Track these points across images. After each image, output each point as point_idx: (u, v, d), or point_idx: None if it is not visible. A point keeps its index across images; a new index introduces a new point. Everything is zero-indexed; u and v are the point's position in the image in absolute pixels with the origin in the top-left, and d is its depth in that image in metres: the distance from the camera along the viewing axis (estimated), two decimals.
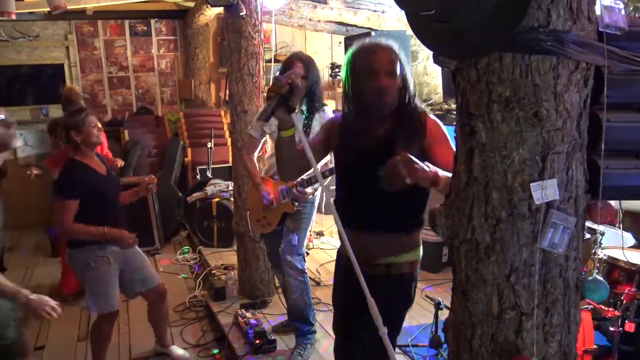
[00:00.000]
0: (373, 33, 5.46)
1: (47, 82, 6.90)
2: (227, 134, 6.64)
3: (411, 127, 2.01)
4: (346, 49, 6.01)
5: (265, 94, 3.45)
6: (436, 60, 1.41)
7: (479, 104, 1.28)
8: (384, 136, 2.02)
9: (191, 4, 6.74)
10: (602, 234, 2.87)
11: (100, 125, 3.14)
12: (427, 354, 3.17)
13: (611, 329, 2.63)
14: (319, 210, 4.76)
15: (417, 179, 1.73)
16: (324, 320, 3.63)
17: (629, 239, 3.27)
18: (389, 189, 1.78)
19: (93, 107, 6.85)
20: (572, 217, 1.28)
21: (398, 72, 1.99)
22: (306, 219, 3.29)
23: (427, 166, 1.76)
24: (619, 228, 2.88)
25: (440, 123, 2.05)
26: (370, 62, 1.97)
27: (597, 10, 1.28)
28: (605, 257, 2.83)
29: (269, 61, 4.81)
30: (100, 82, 7.26)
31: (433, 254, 4.40)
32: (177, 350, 3.56)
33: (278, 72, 3.25)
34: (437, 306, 3.08)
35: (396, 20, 5.75)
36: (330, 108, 3.28)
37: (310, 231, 4.55)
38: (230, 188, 5.13)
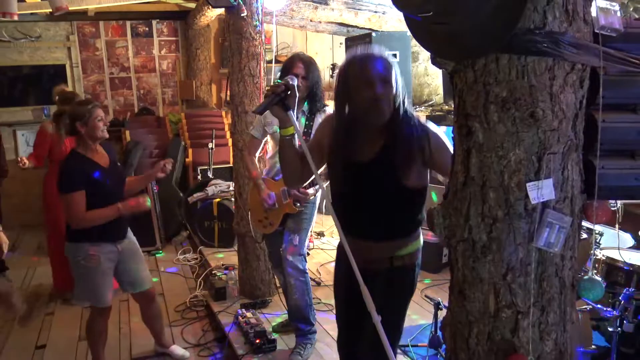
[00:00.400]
0: (374, 34, 5.47)
1: (49, 82, 6.91)
2: (228, 134, 6.66)
3: (410, 137, 1.99)
4: (347, 50, 6.03)
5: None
6: (434, 61, 1.43)
7: (476, 105, 1.30)
8: (380, 149, 2.03)
9: (192, 5, 6.76)
10: (601, 234, 2.88)
11: (104, 118, 3.07)
12: (427, 354, 3.18)
13: (610, 329, 2.64)
14: (320, 211, 4.77)
15: None
16: (324, 320, 3.65)
17: (628, 240, 3.28)
18: None
19: None
20: (568, 216, 1.30)
21: (393, 81, 1.98)
22: (307, 219, 3.31)
23: None
24: (617, 228, 2.89)
25: (440, 131, 2.06)
26: (364, 71, 1.97)
27: (593, 12, 1.29)
28: (604, 258, 2.84)
29: (270, 62, 4.83)
30: (102, 82, 7.28)
31: (433, 254, 4.41)
32: (178, 350, 3.57)
33: (279, 73, 3.27)
34: (437, 306, 3.09)
35: (397, 21, 5.76)
36: (332, 109, 3.30)
37: (311, 231, 4.57)
38: (231, 188, 5.15)
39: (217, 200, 5.44)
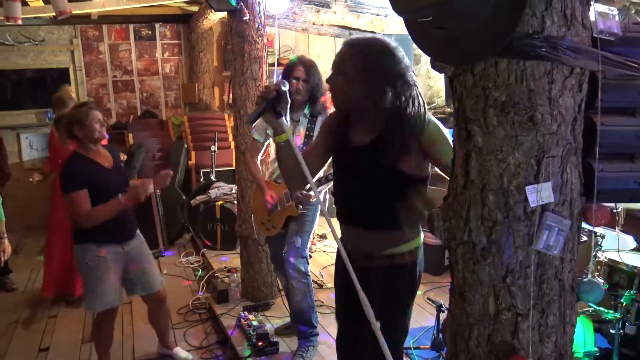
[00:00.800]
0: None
1: (53, 86, 6.94)
2: (230, 137, 6.67)
3: (403, 130, 1.96)
4: None
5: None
6: (434, 65, 1.44)
7: (476, 109, 1.31)
8: (373, 139, 2.02)
9: (195, 9, 6.79)
10: (603, 236, 2.88)
11: (101, 119, 3.07)
12: (429, 356, 3.19)
13: (612, 331, 2.64)
14: (322, 214, 4.78)
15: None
16: (326, 323, 3.65)
17: (631, 242, 3.28)
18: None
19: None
20: (567, 219, 1.30)
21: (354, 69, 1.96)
22: (310, 221, 3.32)
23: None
24: (619, 231, 2.89)
25: (439, 124, 2.02)
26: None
27: (592, 16, 1.30)
28: (606, 260, 2.85)
29: (272, 65, 4.85)
30: (105, 86, 7.31)
31: (435, 257, 4.41)
32: (181, 352, 3.58)
33: (280, 76, 3.29)
34: (439, 309, 3.09)
35: (399, 24, 5.77)
36: (332, 111, 3.31)
37: (313, 234, 4.57)
38: (234, 191, 5.17)
39: (220, 202, 5.45)
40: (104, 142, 3.22)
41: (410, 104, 1.98)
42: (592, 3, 1.29)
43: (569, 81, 1.27)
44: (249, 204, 3.86)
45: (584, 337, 2.70)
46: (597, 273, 2.84)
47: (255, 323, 3.60)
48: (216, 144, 6.19)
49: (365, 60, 1.96)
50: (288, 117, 2.08)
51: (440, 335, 3.01)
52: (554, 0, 1.21)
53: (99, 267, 3.04)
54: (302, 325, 3.32)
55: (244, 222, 4.09)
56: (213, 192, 5.61)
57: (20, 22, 4.36)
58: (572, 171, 1.32)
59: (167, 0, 5.69)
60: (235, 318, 3.81)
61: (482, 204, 1.32)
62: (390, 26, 5.82)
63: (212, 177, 6.08)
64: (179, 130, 7.10)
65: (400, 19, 1.46)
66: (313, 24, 5.82)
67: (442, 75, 6.83)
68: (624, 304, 2.64)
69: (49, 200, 4.69)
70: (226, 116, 7.10)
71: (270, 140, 3.41)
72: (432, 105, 6.68)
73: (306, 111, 3.21)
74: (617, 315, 2.64)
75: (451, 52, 1.34)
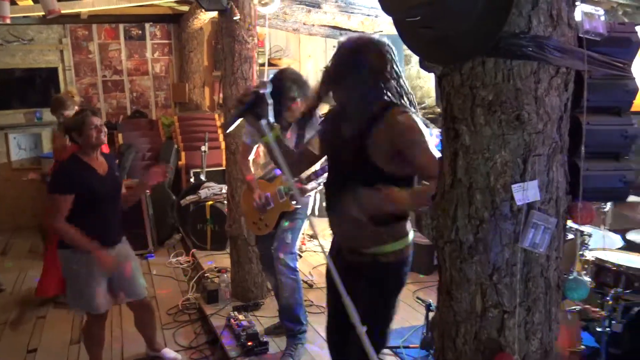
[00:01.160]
0: None
1: (41, 85, 6.90)
2: (221, 137, 6.66)
3: (376, 128, 1.97)
4: None
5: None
6: (422, 65, 1.45)
7: (463, 108, 1.32)
8: (352, 136, 2.04)
9: (186, 8, 6.77)
10: (589, 235, 2.91)
11: (99, 125, 3.07)
12: (418, 355, 3.20)
13: (598, 329, 2.67)
14: (312, 213, 4.79)
15: (373, 213, 1.82)
16: (316, 323, 3.66)
17: (618, 241, 3.31)
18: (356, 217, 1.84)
19: None
20: (553, 217, 1.32)
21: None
22: (301, 219, 3.34)
23: (382, 191, 1.80)
24: (604, 229, 2.92)
25: (416, 124, 1.96)
26: None
27: (577, 16, 1.32)
28: (593, 259, 2.87)
29: (263, 65, 4.85)
30: (95, 85, 7.27)
31: (424, 256, 4.43)
32: (170, 353, 3.57)
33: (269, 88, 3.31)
34: (428, 308, 3.11)
35: (389, 24, 5.79)
36: (319, 112, 3.33)
37: (303, 233, 4.57)
38: (224, 191, 5.16)
39: (210, 203, 5.44)
40: (105, 148, 3.22)
41: (395, 99, 2.01)
42: (577, 3, 1.31)
43: (555, 80, 1.28)
44: (239, 204, 3.86)
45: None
46: (585, 272, 2.86)
47: (245, 323, 3.59)
48: (206, 144, 6.17)
49: (353, 57, 1.99)
50: (271, 117, 2.06)
51: (430, 334, 3.02)
52: (541, 0, 1.23)
53: (82, 273, 3.03)
54: (290, 322, 3.31)
55: (234, 222, 4.08)
56: (203, 192, 5.60)
57: (8, 21, 4.34)
58: (558, 170, 1.33)
59: (158, 0, 5.68)
60: (225, 318, 3.80)
61: (469, 202, 1.33)
62: (380, 26, 5.83)
63: (202, 177, 6.06)
64: (169, 130, 7.07)
65: (391, 20, 1.47)
66: (304, 24, 5.82)
67: (433, 75, 6.83)
68: (611, 302, 2.67)
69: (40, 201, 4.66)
70: (216, 116, 7.08)
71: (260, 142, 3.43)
72: (422, 105, 6.70)
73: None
74: (604, 313, 2.66)
75: (440, 51, 1.35)
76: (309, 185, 3.17)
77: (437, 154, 1.83)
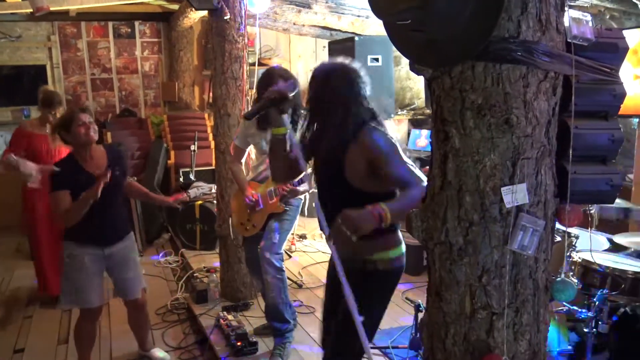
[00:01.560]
0: (357, 38, 5.52)
1: (29, 83, 6.83)
2: (210, 136, 6.64)
3: (349, 150, 2.10)
4: (330, 53, 6.06)
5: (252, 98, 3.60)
6: (412, 67, 1.46)
7: (453, 111, 1.33)
8: (329, 160, 2.18)
9: (176, 7, 6.74)
10: (577, 237, 2.94)
11: (88, 122, 3.03)
12: (407, 355, 3.21)
13: (585, 330, 2.70)
14: (302, 214, 4.79)
15: (362, 232, 1.86)
16: (305, 323, 3.66)
17: (605, 243, 3.34)
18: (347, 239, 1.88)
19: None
20: (541, 220, 1.33)
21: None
22: (290, 220, 3.34)
23: (369, 210, 1.88)
24: (591, 231, 2.94)
25: (386, 141, 2.09)
26: None
27: (566, 21, 1.33)
28: (580, 260, 2.90)
29: (253, 64, 4.84)
30: (83, 83, 7.22)
31: (414, 257, 4.44)
32: (158, 352, 3.56)
33: (291, 83, 3.32)
34: (417, 308, 3.11)
35: (379, 25, 5.80)
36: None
37: (293, 234, 4.57)
38: (213, 191, 5.15)
39: (199, 202, 5.43)
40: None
41: (367, 119, 2.14)
42: (566, 9, 1.32)
43: (544, 85, 1.30)
44: (229, 204, 3.85)
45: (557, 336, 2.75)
46: (572, 273, 2.89)
47: (234, 323, 3.59)
48: (196, 143, 6.16)
49: (324, 88, 2.18)
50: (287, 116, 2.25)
51: (418, 335, 3.03)
52: (530, 5, 1.24)
53: (76, 267, 3.08)
54: (276, 321, 3.31)
55: (223, 221, 4.08)
56: (192, 192, 5.57)
57: None
58: (547, 173, 1.34)
59: None
60: (214, 318, 3.79)
61: (459, 204, 1.34)
62: (371, 27, 5.85)
63: (192, 177, 6.05)
64: (159, 129, 7.04)
65: (381, 21, 1.48)
66: (294, 24, 5.82)
67: (422, 77, 6.84)
68: (597, 303, 2.69)
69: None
70: (206, 115, 7.07)
71: (251, 147, 3.44)
72: (412, 106, 6.72)
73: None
74: (590, 314, 2.69)
75: (429, 55, 1.36)
76: (301, 188, 3.17)
77: (409, 163, 2.04)
